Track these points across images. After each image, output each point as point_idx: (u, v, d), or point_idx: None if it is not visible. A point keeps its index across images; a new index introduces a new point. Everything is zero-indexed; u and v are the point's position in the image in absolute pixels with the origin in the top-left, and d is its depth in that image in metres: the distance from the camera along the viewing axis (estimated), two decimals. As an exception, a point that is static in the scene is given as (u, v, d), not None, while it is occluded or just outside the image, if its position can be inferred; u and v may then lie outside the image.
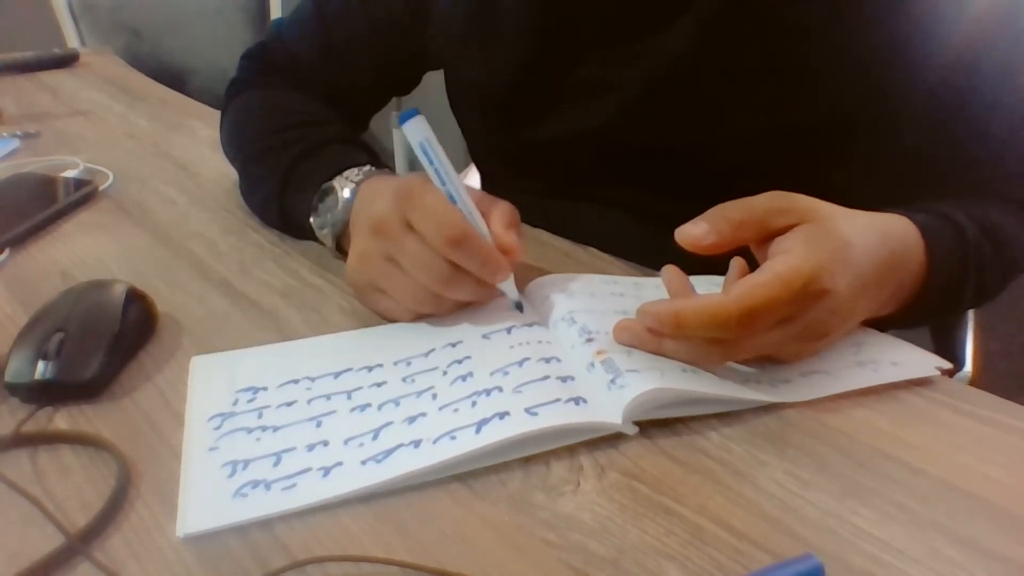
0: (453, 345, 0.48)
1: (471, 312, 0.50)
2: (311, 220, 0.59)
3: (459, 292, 0.48)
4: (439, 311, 0.50)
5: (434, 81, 0.77)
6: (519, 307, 0.50)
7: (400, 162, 2.30)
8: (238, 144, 0.72)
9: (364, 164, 0.58)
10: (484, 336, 0.48)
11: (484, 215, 0.49)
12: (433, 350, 0.48)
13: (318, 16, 0.74)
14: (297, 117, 0.68)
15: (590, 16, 0.62)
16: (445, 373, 0.45)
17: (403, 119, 0.47)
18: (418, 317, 0.51)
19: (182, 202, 0.73)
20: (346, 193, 0.56)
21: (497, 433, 0.39)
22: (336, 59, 0.73)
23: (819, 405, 0.43)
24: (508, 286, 0.50)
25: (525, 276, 0.54)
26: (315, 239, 0.61)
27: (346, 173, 0.57)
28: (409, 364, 0.47)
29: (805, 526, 0.35)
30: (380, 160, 0.61)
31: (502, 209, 0.50)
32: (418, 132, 0.47)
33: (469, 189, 0.50)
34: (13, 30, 1.73)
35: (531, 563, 0.33)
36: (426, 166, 0.48)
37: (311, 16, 0.75)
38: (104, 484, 0.38)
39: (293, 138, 0.64)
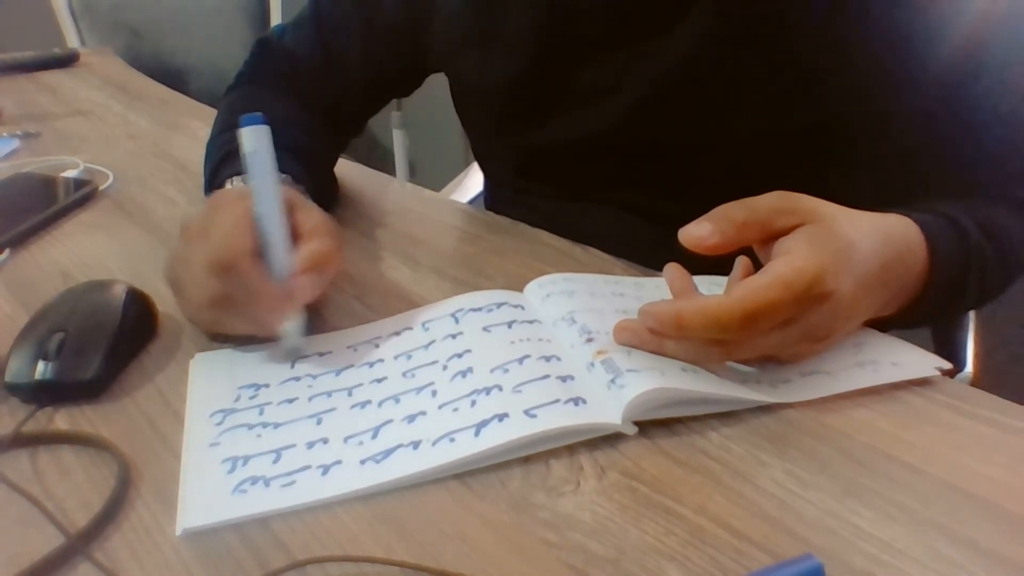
0: (453, 337, 0.48)
1: (470, 305, 0.50)
2: None
3: (229, 318, 0.46)
4: (226, 331, 0.48)
5: (437, 82, 0.77)
6: (292, 352, 0.47)
7: (400, 163, 2.30)
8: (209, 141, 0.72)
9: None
10: (485, 329, 0.48)
11: (305, 243, 0.47)
12: (433, 342, 0.48)
13: (315, 19, 0.74)
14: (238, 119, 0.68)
15: (593, 19, 0.62)
16: (445, 368, 0.45)
17: (243, 122, 0.46)
18: (214, 334, 0.49)
19: (182, 202, 0.73)
20: None
21: (496, 436, 0.39)
22: (331, 62, 0.73)
23: (819, 405, 0.43)
24: (290, 328, 0.46)
25: (525, 276, 0.54)
26: None
27: (240, 177, 0.56)
28: (410, 358, 0.47)
29: (805, 526, 0.35)
30: (303, 171, 0.60)
31: (309, 249, 0.47)
32: (251, 141, 0.46)
33: (306, 216, 0.48)
34: (13, 30, 1.73)
35: (531, 563, 0.33)
36: (248, 179, 0.46)
37: (309, 18, 0.75)
38: (104, 484, 0.38)
39: (227, 139, 0.64)
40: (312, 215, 0.50)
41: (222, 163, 0.61)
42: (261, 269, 0.45)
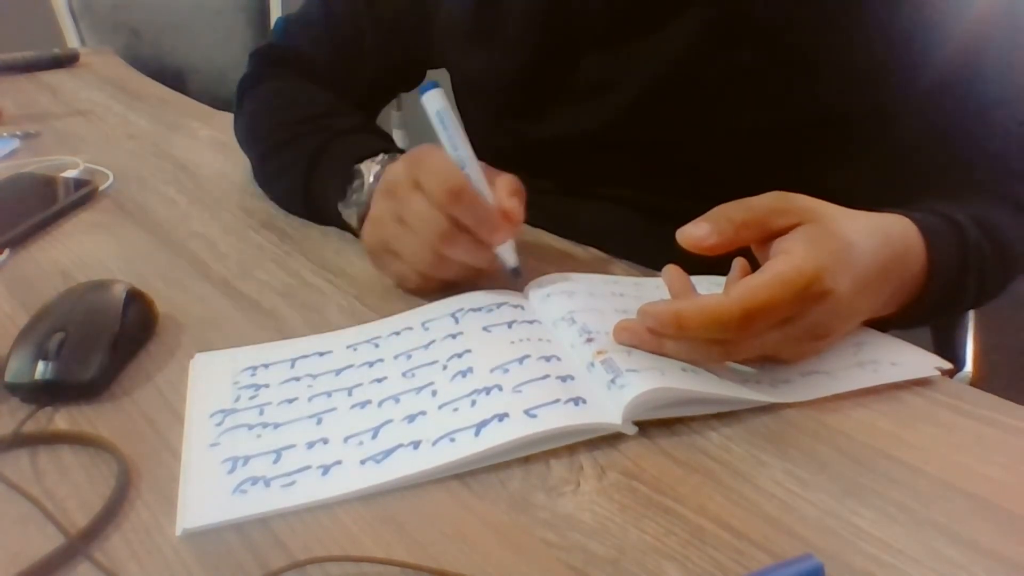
0: (453, 336, 0.48)
1: (470, 305, 0.50)
2: (338, 205, 0.60)
3: (458, 251, 0.49)
4: (444, 275, 0.52)
5: (437, 79, 0.77)
6: (515, 272, 0.52)
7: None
8: (258, 135, 0.72)
9: (388, 151, 0.60)
10: (485, 329, 0.48)
11: (490, 184, 0.51)
12: (433, 342, 0.48)
13: (325, 15, 0.75)
14: (317, 108, 0.70)
15: (592, 16, 0.62)
16: (445, 367, 0.45)
17: (423, 90, 0.51)
18: (426, 284, 0.52)
19: (182, 202, 0.73)
20: (371, 177, 0.58)
21: (496, 436, 0.39)
22: (341, 58, 0.74)
23: (819, 405, 0.43)
24: (506, 250, 0.51)
25: (525, 276, 0.54)
26: (340, 224, 0.62)
27: (373, 158, 0.59)
28: (410, 357, 0.47)
29: (805, 526, 0.35)
30: (397, 148, 0.62)
31: (507, 179, 0.51)
32: (435, 102, 0.51)
33: (480, 164, 0.52)
34: (13, 30, 1.72)
35: (531, 563, 0.33)
36: (440, 133, 0.51)
37: (318, 14, 0.75)
38: (104, 484, 0.38)
39: (317, 127, 0.66)
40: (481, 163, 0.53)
41: (329, 150, 0.63)
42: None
